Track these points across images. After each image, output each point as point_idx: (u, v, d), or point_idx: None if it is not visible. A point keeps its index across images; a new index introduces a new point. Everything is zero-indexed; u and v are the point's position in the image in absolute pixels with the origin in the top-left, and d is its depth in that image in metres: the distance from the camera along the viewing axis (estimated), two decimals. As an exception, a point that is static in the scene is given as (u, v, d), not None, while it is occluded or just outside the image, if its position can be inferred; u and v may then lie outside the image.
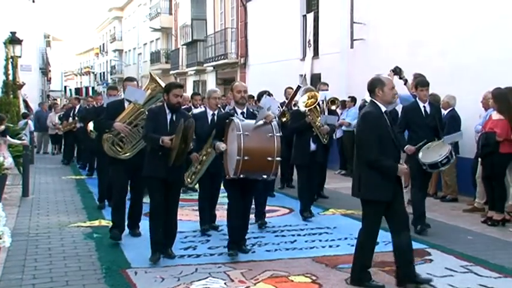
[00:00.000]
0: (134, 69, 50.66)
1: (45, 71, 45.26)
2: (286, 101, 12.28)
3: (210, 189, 8.98)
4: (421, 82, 8.97)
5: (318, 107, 9.84)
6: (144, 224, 7.98)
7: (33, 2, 30.98)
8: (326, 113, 10.18)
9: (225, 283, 6.44)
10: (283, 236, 8.41)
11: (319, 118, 9.78)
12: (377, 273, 6.83)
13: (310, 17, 19.36)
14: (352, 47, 16.27)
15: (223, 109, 9.06)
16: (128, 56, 57.78)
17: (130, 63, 56.03)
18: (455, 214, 9.22)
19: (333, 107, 10.69)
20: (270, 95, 11.58)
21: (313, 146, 9.81)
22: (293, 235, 8.62)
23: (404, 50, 13.69)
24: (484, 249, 7.93)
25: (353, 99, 15.16)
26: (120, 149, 8.05)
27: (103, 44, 70.60)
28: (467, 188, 11.26)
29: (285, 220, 9.79)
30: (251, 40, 24.75)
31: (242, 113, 7.51)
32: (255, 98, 12.44)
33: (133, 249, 7.71)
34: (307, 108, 9.66)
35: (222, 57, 27.49)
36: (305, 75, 19.20)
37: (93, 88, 59.36)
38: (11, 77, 21.45)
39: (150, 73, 8.64)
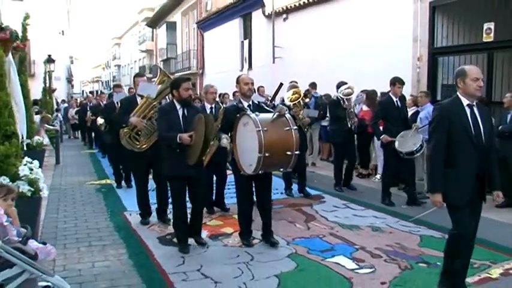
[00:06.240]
0: (128, 78, 49.61)
1: (69, 80, 44.01)
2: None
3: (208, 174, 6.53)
4: (399, 80, 7.29)
5: (301, 101, 7.99)
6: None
7: (63, 35, 30.60)
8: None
9: (190, 219, 6.44)
10: (228, 188, 7.37)
11: (302, 111, 7.90)
12: (291, 212, 6.97)
13: (246, 42, 19.25)
14: (274, 62, 16.24)
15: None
16: (124, 69, 56.63)
17: (125, 74, 55.04)
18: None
19: (306, 100, 8.45)
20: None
21: None
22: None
23: (306, 66, 13.78)
24: (356, 193, 8.17)
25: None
26: (137, 142, 6.05)
27: (107, 61, 68.93)
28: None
29: (233, 177, 9.53)
30: (207, 57, 24.47)
31: (249, 106, 5.26)
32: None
33: (128, 199, 7.56)
34: (291, 103, 7.83)
35: (187, 69, 27.11)
36: (243, 81, 19.13)
37: (101, 91, 57.78)
38: (47, 84, 21.35)
39: (159, 68, 6.66)
